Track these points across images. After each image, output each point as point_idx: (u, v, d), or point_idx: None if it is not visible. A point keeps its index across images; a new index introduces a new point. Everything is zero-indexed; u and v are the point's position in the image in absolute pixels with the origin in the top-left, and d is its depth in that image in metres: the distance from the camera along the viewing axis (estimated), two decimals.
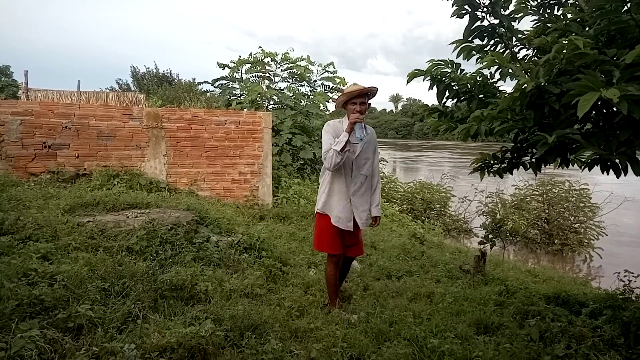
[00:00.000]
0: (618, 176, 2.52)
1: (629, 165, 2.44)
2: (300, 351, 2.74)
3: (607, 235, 10.79)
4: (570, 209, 10.95)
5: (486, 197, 11.43)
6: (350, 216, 3.50)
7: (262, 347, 2.70)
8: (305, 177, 10.19)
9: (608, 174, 2.65)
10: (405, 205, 12.37)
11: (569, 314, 4.07)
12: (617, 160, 2.44)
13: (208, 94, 14.13)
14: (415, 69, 3.20)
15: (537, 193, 11.36)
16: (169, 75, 32.79)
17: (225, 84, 11.85)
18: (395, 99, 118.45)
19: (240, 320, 2.96)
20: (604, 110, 2.89)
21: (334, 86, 12.00)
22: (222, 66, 11.75)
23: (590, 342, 3.42)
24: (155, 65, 34.62)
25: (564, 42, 2.38)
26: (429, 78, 3.19)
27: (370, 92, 3.39)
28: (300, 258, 5.09)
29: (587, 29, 2.82)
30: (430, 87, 3.21)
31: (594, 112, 2.97)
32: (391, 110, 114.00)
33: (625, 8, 2.41)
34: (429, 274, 5.21)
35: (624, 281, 4.52)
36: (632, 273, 4.54)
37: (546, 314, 3.94)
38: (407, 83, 3.34)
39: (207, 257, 4.19)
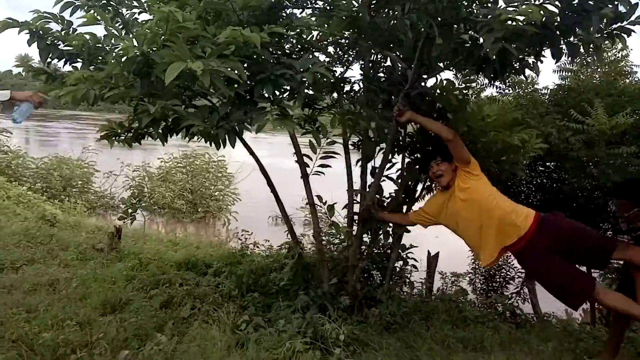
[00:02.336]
0: (218, 148, 2.80)
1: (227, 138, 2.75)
2: None
3: (241, 200, 12.45)
4: (210, 179, 12.02)
5: (133, 171, 11.18)
6: None
7: None
8: None
9: (211, 145, 2.90)
10: (39, 184, 10.64)
11: (196, 276, 4.44)
12: (217, 134, 2.69)
13: None
14: (9, 18, 2.64)
15: (182, 165, 11.93)
16: None
17: None
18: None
19: None
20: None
21: None
22: None
23: (211, 298, 3.83)
24: None
25: (167, 12, 2.34)
26: (27, 31, 2.70)
27: None
28: None
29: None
30: (30, 43, 2.74)
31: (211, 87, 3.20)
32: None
33: None
34: (57, 259, 4.66)
35: (241, 239, 5.34)
36: (247, 232, 5.43)
37: (176, 280, 4.17)
38: None
39: None
